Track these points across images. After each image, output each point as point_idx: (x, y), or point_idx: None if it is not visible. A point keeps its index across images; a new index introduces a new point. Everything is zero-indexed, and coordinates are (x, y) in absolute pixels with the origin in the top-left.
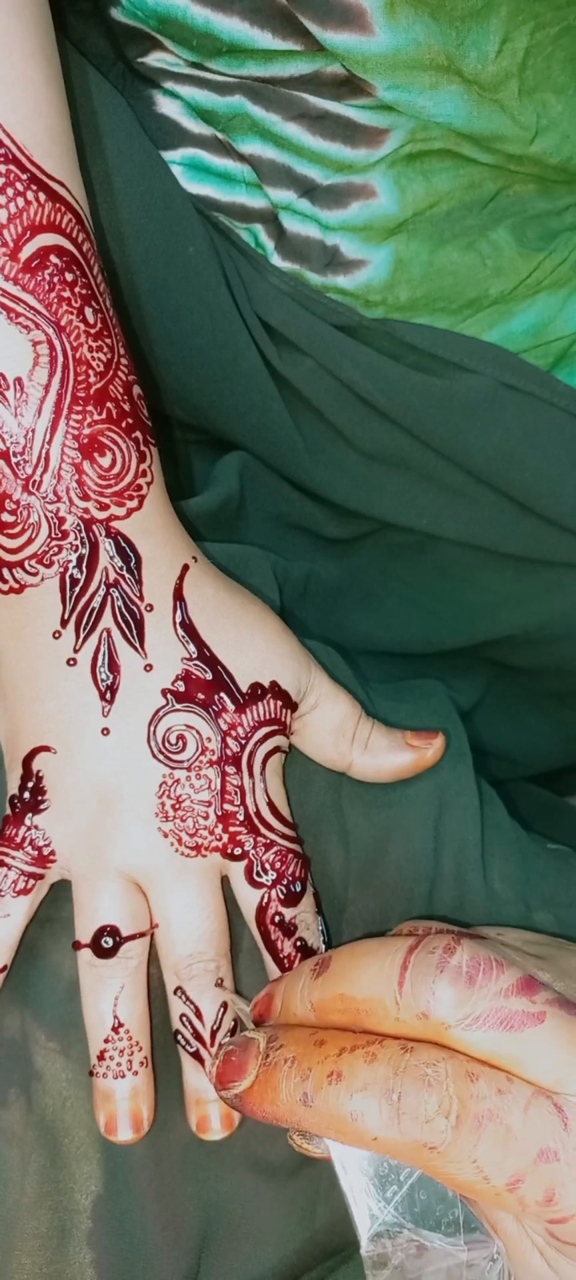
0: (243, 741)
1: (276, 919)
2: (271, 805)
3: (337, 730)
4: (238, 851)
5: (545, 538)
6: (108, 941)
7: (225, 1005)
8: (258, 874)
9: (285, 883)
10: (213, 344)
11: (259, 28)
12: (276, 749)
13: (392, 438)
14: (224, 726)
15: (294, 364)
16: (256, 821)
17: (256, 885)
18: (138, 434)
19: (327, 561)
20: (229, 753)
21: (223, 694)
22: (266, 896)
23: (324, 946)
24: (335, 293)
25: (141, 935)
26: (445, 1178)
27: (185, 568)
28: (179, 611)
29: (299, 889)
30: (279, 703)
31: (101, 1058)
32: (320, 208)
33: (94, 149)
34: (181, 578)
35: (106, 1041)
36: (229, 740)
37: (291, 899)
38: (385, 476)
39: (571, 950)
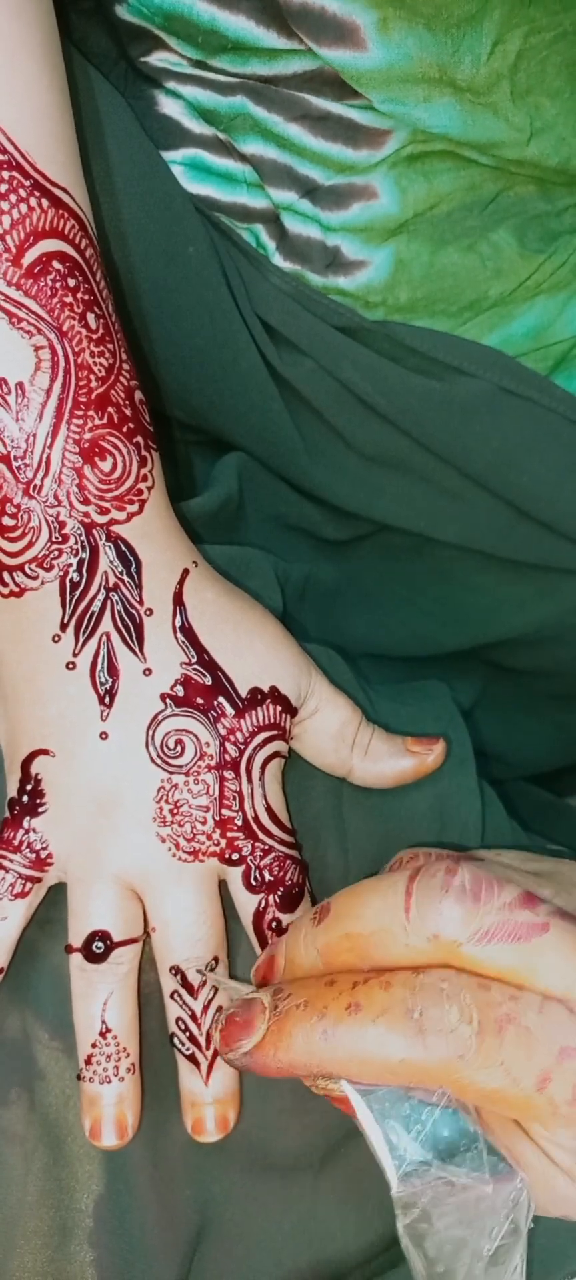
0: (241, 747)
1: (273, 924)
2: (270, 811)
3: (338, 735)
4: (235, 857)
5: (542, 542)
6: (99, 946)
7: (220, 1008)
8: (255, 879)
9: (282, 889)
10: (213, 344)
11: (264, 26)
12: (276, 754)
13: (392, 440)
14: (222, 731)
15: (294, 364)
16: (254, 827)
17: (254, 890)
18: (139, 439)
19: (326, 563)
20: (227, 758)
21: (221, 699)
22: (263, 902)
23: None
24: (336, 294)
25: (133, 941)
26: (474, 1091)
27: (185, 572)
28: (178, 616)
29: (296, 895)
30: (278, 708)
31: (88, 1062)
32: (321, 208)
33: (94, 149)
34: (181, 582)
35: (94, 1046)
36: (227, 745)
37: (288, 904)
38: (384, 478)
39: (570, 865)
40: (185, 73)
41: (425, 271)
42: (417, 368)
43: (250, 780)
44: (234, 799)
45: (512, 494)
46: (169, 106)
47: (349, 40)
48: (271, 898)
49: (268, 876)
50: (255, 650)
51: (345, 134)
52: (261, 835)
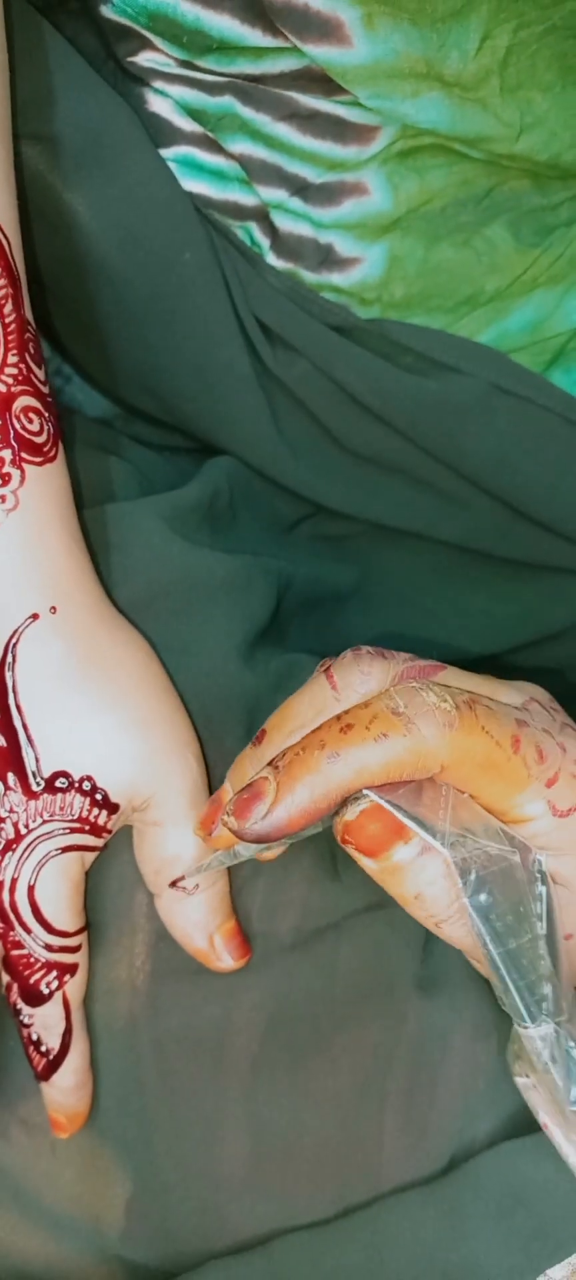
0: (22, 831)
1: (16, 1008)
2: (34, 906)
3: (168, 864)
4: None
5: (540, 542)
6: None
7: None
8: (4, 963)
9: (24, 987)
10: (206, 350)
11: (248, 25)
12: (71, 847)
13: (386, 441)
14: (6, 806)
15: (289, 365)
16: (11, 915)
17: (5, 969)
18: (3, 453)
19: (327, 564)
20: (2, 835)
21: (14, 773)
22: (9, 983)
23: (58, 1047)
24: (330, 291)
25: None
26: (470, 761)
27: (33, 617)
28: (4, 665)
29: (38, 998)
30: (87, 801)
31: None
32: (312, 206)
33: (96, 155)
34: (23, 628)
35: None
36: (7, 823)
37: (29, 1002)
38: (379, 479)
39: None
40: (172, 73)
41: (419, 267)
42: (412, 367)
43: (19, 868)
44: None
45: (508, 494)
46: (158, 105)
47: (333, 36)
48: (15, 986)
49: (13, 967)
50: (81, 730)
51: (334, 131)
52: (17, 926)
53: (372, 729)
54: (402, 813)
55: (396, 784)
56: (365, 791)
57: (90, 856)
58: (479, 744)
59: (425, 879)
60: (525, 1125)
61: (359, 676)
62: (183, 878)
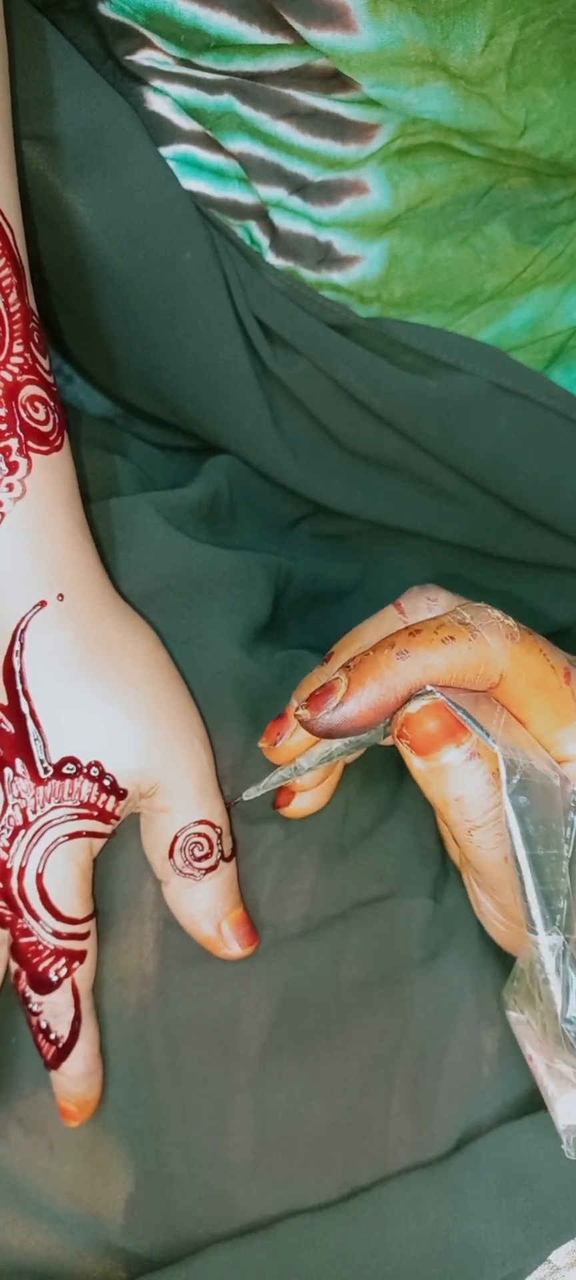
0: (30, 817)
1: (25, 996)
2: (42, 893)
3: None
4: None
5: (540, 541)
6: None
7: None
8: (13, 951)
9: (32, 975)
10: (207, 349)
11: (247, 22)
12: (79, 833)
13: (387, 440)
14: (14, 793)
15: (289, 364)
16: (19, 902)
17: (13, 957)
18: (10, 442)
19: (327, 562)
20: (11, 822)
21: (22, 760)
22: (18, 971)
23: (67, 1035)
24: (329, 289)
25: None
26: (526, 676)
27: (41, 604)
28: (12, 652)
29: (47, 984)
30: (95, 786)
31: None
32: (311, 204)
33: (96, 156)
34: (30, 615)
35: None
36: (15, 809)
37: (38, 990)
38: (379, 479)
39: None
40: (171, 71)
41: (419, 266)
42: (411, 365)
43: (27, 854)
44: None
45: (509, 493)
46: (157, 104)
47: (339, 22)
48: (24, 973)
49: (22, 955)
50: (89, 717)
51: (333, 129)
52: (26, 913)
53: (440, 633)
54: (461, 710)
55: (457, 689)
56: (429, 688)
57: (98, 843)
58: (536, 662)
59: (469, 784)
60: (530, 1111)
61: (425, 603)
62: (240, 800)
